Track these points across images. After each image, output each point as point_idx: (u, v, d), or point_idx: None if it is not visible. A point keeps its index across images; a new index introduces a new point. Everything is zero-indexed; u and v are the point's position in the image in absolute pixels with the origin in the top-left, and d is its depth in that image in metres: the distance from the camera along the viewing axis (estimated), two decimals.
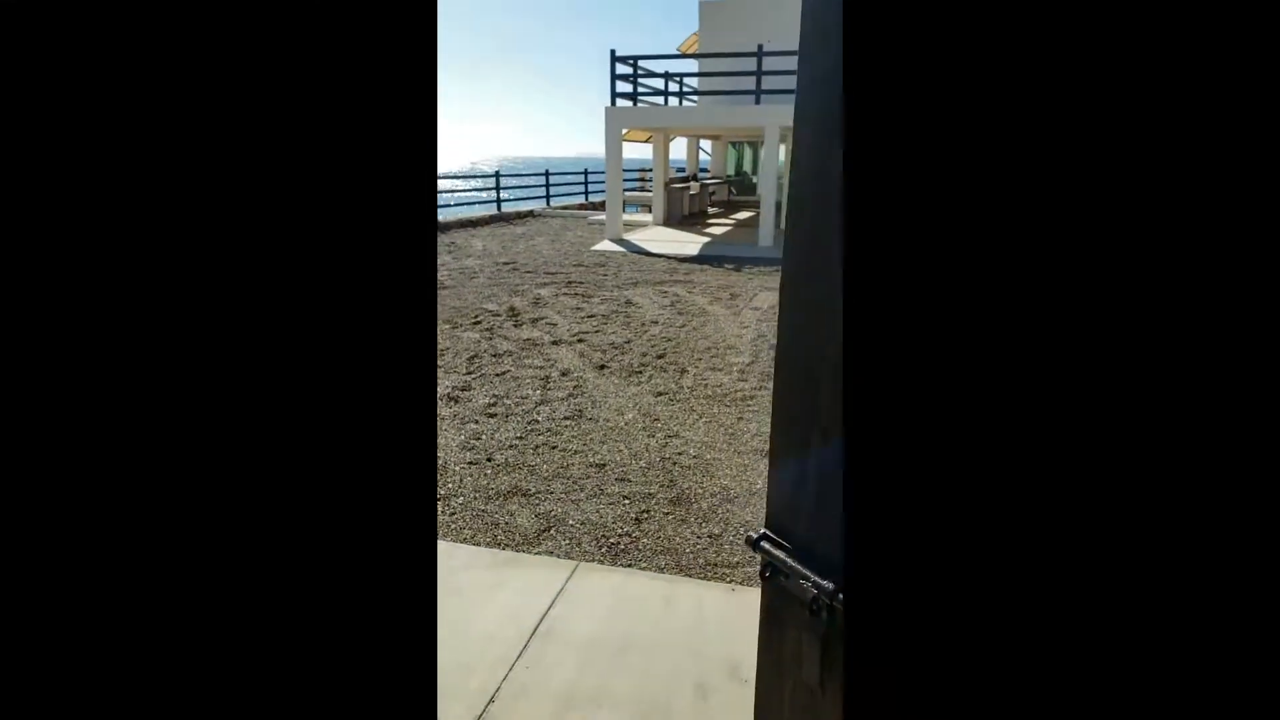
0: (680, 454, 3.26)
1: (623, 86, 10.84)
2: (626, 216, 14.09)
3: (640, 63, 11.01)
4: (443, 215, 13.20)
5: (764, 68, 10.09)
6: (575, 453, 3.26)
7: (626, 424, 3.61)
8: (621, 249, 9.94)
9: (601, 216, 13.25)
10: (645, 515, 2.72)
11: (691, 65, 15.46)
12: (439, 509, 2.75)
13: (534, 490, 2.91)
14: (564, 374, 4.38)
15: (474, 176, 16.22)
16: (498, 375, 4.35)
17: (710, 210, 16.30)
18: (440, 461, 3.15)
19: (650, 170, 14.53)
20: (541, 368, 4.51)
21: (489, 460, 3.17)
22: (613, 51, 10.50)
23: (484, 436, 3.42)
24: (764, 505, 2.83)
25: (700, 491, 2.90)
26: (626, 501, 2.82)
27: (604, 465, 3.13)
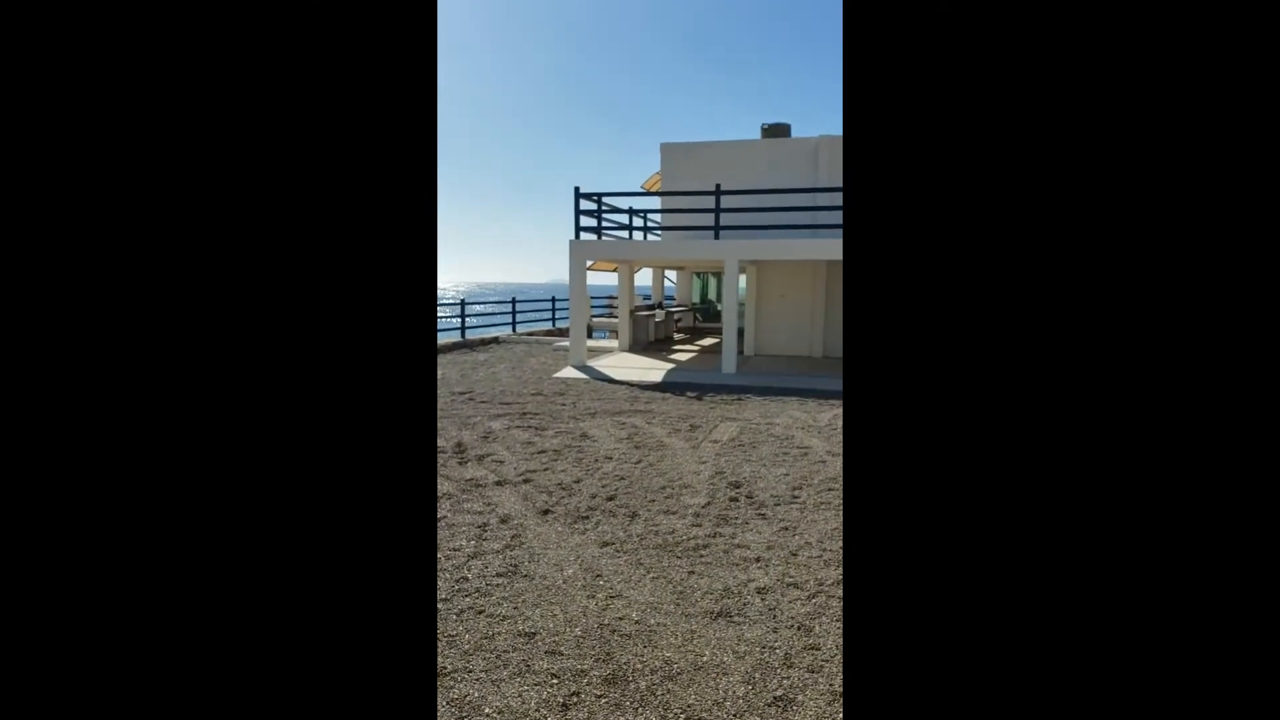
0: (621, 619, 2.93)
1: (588, 221, 11.24)
2: (593, 343, 14.18)
3: (605, 199, 11.49)
4: None
5: (722, 205, 10.58)
6: (504, 619, 2.92)
7: (565, 581, 3.28)
8: (584, 376, 9.86)
9: (567, 343, 13.31)
10: (574, 699, 2.37)
11: (654, 201, 16.26)
12: None
13: (450, 668, 2.54)
14: (503, 521, 4.08)
15: (440, 304, 16.36)
16: None
17: (676, 336, 16.55)
18: None
19: (618, 296, 14.83)
20: (480, 513, 4.20)
21: None
22: (576, 188, 10.97)
23: None
24: (710, 683, 2.46)
25: (640, 666, 2.57)
26: (555, 681, 2.47)
27: (534, 634, 2.79)
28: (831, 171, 11.93)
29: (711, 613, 2.99)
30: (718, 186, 10.48)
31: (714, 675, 2.52)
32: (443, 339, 14.29)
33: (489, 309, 31.89)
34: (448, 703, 2.35)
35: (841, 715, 2.29)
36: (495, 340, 15.08)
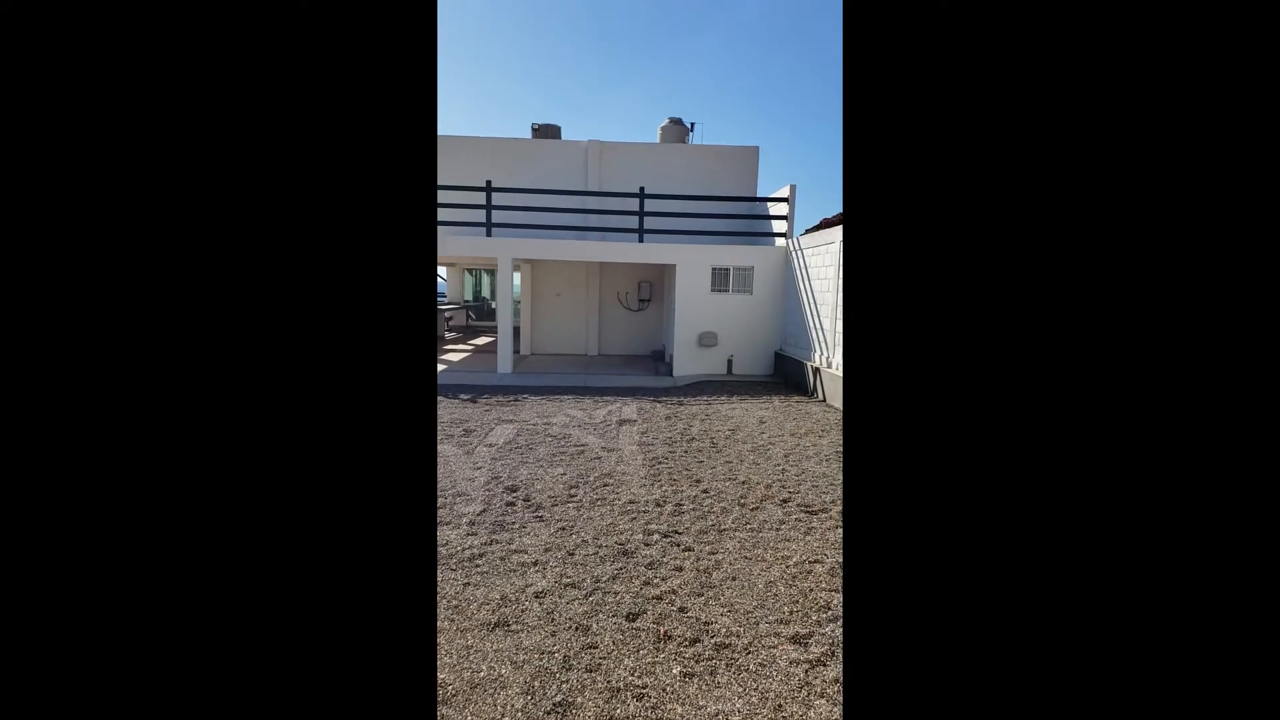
0: None
1: None
2: None
3: None
4: None
5: (493, 202, 10.37)
6: None
7: None
8: None
9: None
10: None
11: None
12: None
13: None
14: None
15: None
16: None
17: (448, 335, 15.91)
18: None
19: None
20: None
21: None
22: None
23: None
24: (488, 699, 2.35)
25: None
26: None
27: None
28: (601, 176, 12.32)
29: (488, 624, 2.89)
30: (489, 183, 10.26)
31: (492, 691, 2.43)
32: None
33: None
34: None
35: (841, 715, 2.35)
36: None
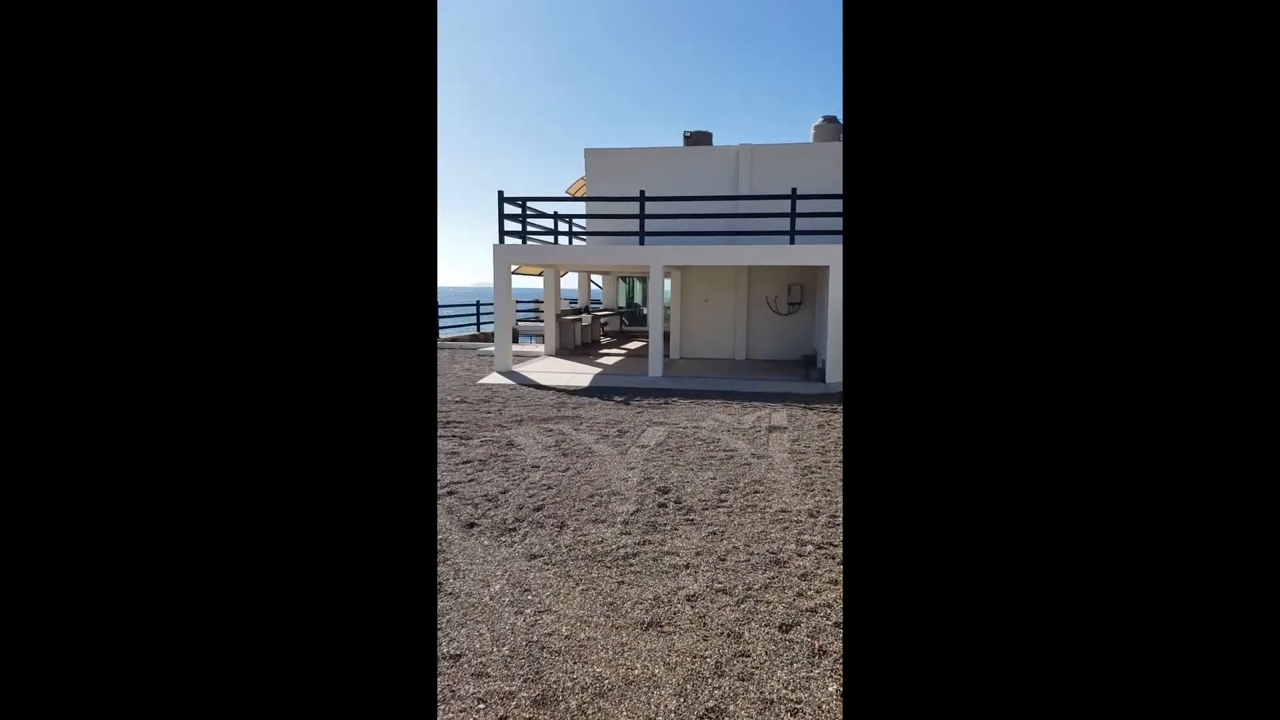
0: (550, 635, 2.87)
1: (513, 225, 11.06)
2: (519, 347, 13.97)
3: (529, 203, 11.34)
4: None
5: (646, 211, 10.63)
6: None
7: (492, 598, 3.19)
8: (510, 382, 9.69)
9: (492, 348, 13.05)
10: None
11: (580, 205, 16.19)
12: None
13: None
14: None
15: None
16: None
17: (603, 340, 16.52)
18: None
19: (544, 300, 14.67)
20: None
21: None
22: (500, 192, 10.77)
23: None
24: (642, 697, 2.43)
25: (570, 685, 2.52)
26: (481, 707, 2.39)
27: (459, 656, 2.69)
28: (752, 180, 12.21)
29: (642, 623, 2.97)
30: (641, 192, 10.53)
31: (646, 689, 2.50)
32: None
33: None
34: None
35: (842, 716, 2.32)
36: None
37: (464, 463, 5.48)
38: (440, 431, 6.57)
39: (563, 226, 13.56)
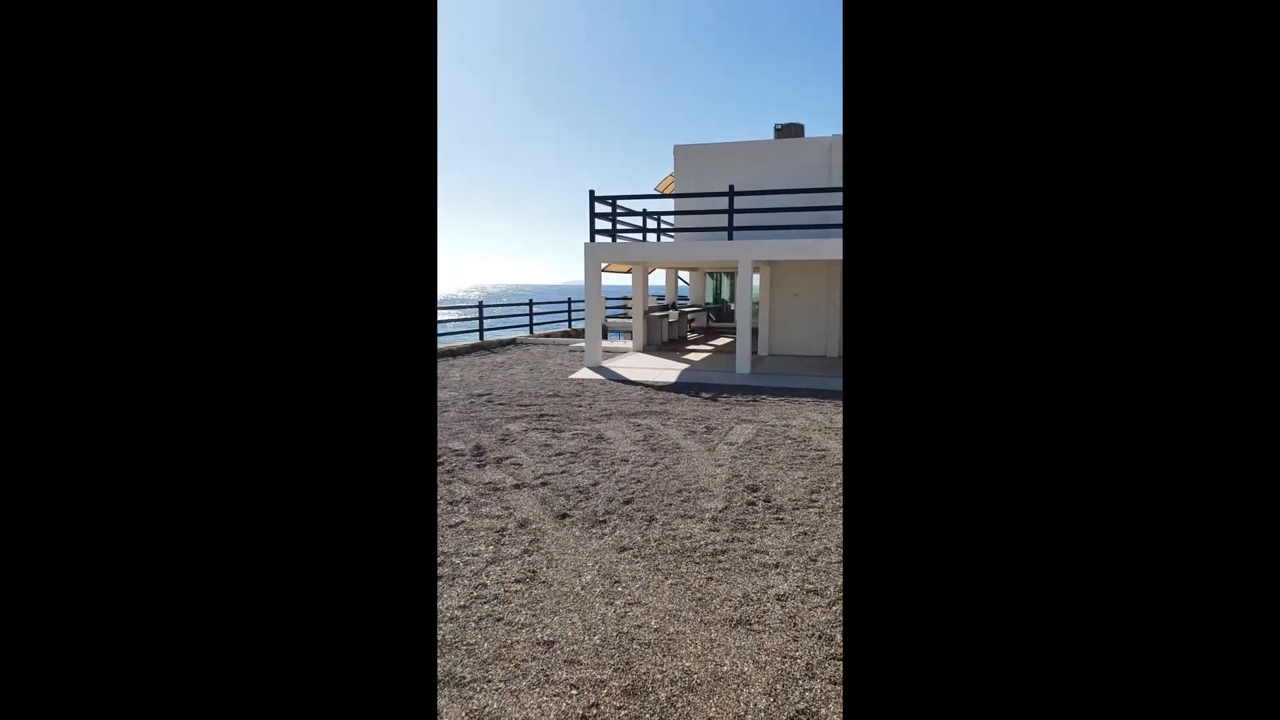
0: (640, 626, 2.92)
1: (603, 223, 11.24)
2: (608, 343, 14.18)
3: (619, 202, 11.49)
4: None
5: (735, 206, 10.53)
6: (522, 626, 2.91)
7: (583, 588, 3.27)
8: (599, 377, 9.87)
9: (583, 344, 13.32)
10: (593, 711, 2.36)
11: (669, 202, 16.23)
12: None
13: (469, 677, 2.54)
14: (522, 525, 4.08)
15: (459, 306, 16.44)
16: (450, 528, 4.03)
17: (690, 336, 16.51)
18: None
19: (632, 297, 14.83)
20: (499, 517, 4.20)
21: None
22: (591, 192, 10.97)
23: None
24: (731, 694, 2.44)
25: (659, 677, 2.55)
26: (574, 692, 2.46)
27: (553, 643, 2.78)
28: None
29: (731, 620, 2.96)
30: (731, 188, 10.44)
31: (735, 687, 2.49)
32: (462, 341, 14.36)
33: (506, 311, 32.05)
34: (467, 713, 2.34)
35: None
36: (513, 342, 15.13)
37: (556, 455, 5.64)
38: (534, 425, 6.79)
39: (651, 224, 13.64)
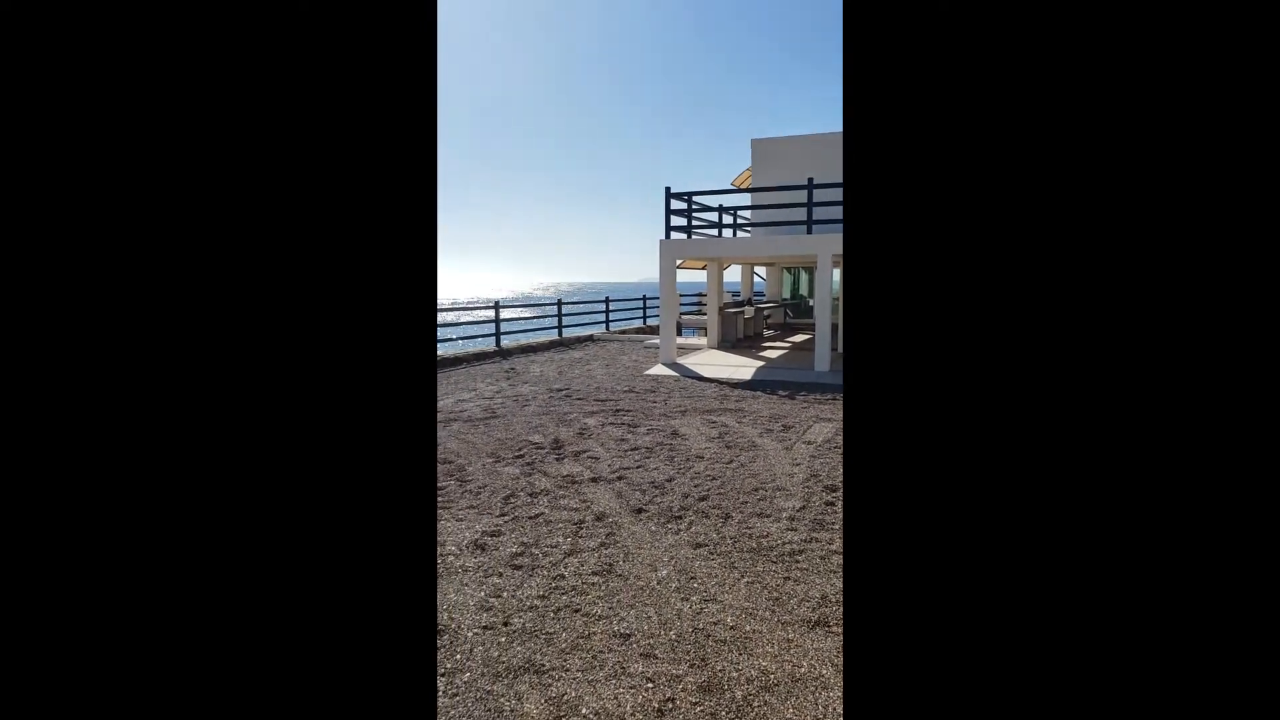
0: (716, 624, 2.91)
1: (678, 220, 11.23)
2: (683, 340, 14.17)
3: (695, 198, 11.45)
4: (505, 340, 13.61)
5: (814, 199, 10.29)
6: (599, 618, 2.96)
7: (659, 583, 3.29)
8: (674, 373, 9.88)
9: (658, 340, 13.37)
10: (669, 706, 2.37)
11: (744, 198, 16.03)
12: (443, 685, 2.48)
13: (548, 666, 2.61)
14: (599, 518, 4.14)
15: (535, 304, 16.84)
16: (530, 519, 4.14)
17: (766, 333, 16.27)
18: (453, 624, 2.90)
19: (707, 294, 14.76)
20: (576, 510, 4.28)
21: (505, 625, 2.90)
22: (667, 189, 10.97)
23: (505, 594, 3.18)
24: (810, 697, 2.40)
25: (735, 675, 2.54)
26: (650, 686, 2.48)
27: (629, 636, 2.82)
28: None
29: (809, 621, 2.91)
30: (810, 180, 10.20)
31: (813, 689, 2.45)
32: (541, 338, 14.72)
33: (583, 308, 32.52)
34: (546, 700, 2.41)
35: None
36: (590, 338, 15.37)
37: (632, 449, 5.69)
38: (610, 420, 6.88)
39: (727, 219, 13.52)
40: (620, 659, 2.65)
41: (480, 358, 11.90)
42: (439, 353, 12.41)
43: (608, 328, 17.48)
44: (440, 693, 2.45)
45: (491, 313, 13.43)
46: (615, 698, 2.42)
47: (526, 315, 15.48)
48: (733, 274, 19.66)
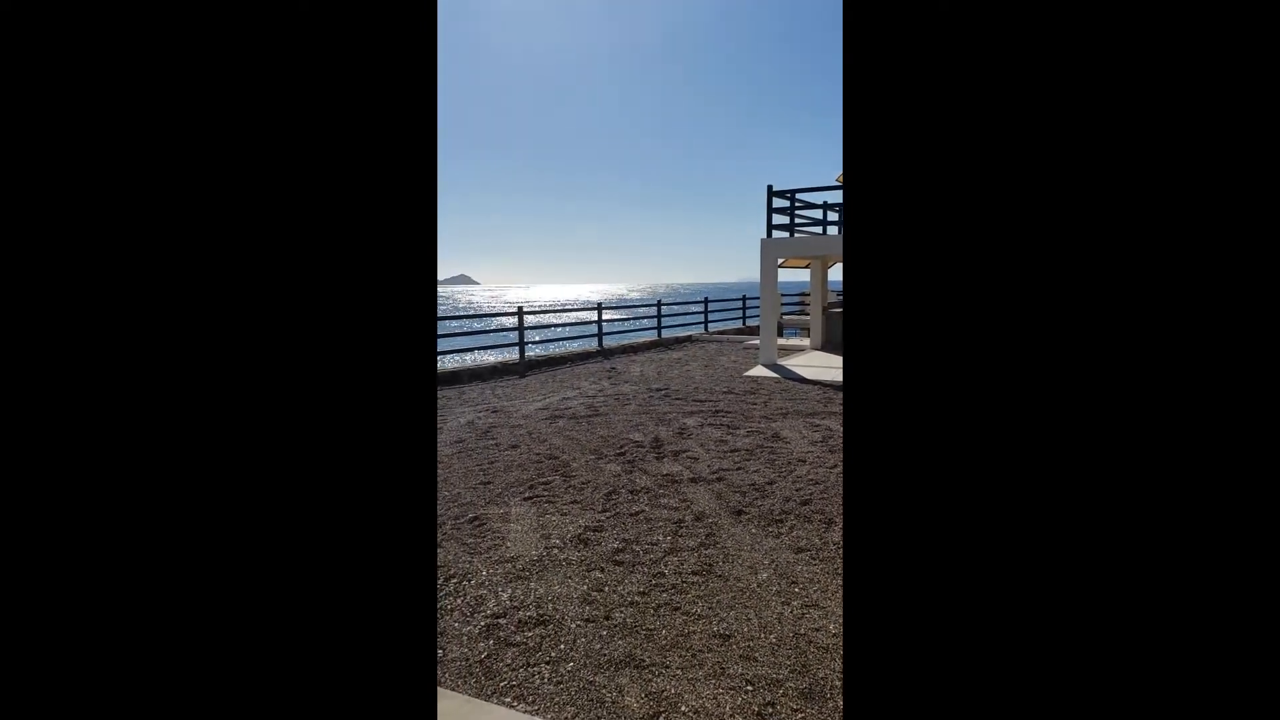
0: (818, 630, 2.84)
1: (780, 218, 11.03)
2: (784, 341, 13.90)
3: (798, 195, 11.21)
4: (606, 341, 13.88)
5: None
6: (699, 618, 2.97)
7: (759, 585, 3.26)
8: (775, 375, 9.71)
9: (758, 341, 13.19)
10: (770, 710, 2.34)
11: None
12: (548, 672, 2.58)
13: (649, 661, 2.65)
14: (698, 518, 4.15)
15: (634, 305, 17.07)
16: (631, 515, 4.21)
17: None
18: (557, 615, 3.01)
19: (810, 294, 14.41)
20: (676, 509, 4.31)
21: (607, 619, 2.97)
22: (769, 186, 10.81)
23: (606, 589, 3.25)
24: None
25: (838, 684, 2.47)
26: (749, 688, 2.47)
27: (729, 637, 2.81)
28: None
29: None
30: None
31: None
32: (640, 338, 14.90)
33: (682, 309, 32.65)
34: (646, 695, 2.45)
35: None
36: (689, 339, 15.39)
37: (731, 451, 5.66)
38: (710, 420, 6.87)
39: (832, 216, 13.13)
40: (720, 659, 2.65)
41: (584, 357, 12.20)
42: (548, 352, 12.84)
43: (706, 328, 17.43)
44: (545, 679, 2.54)
45: (594, 314, 13.73)
46: (715, 698, 2.42)
47: (624, 318, 15.71)
48: (837, 273, 19.07)
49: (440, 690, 2.47)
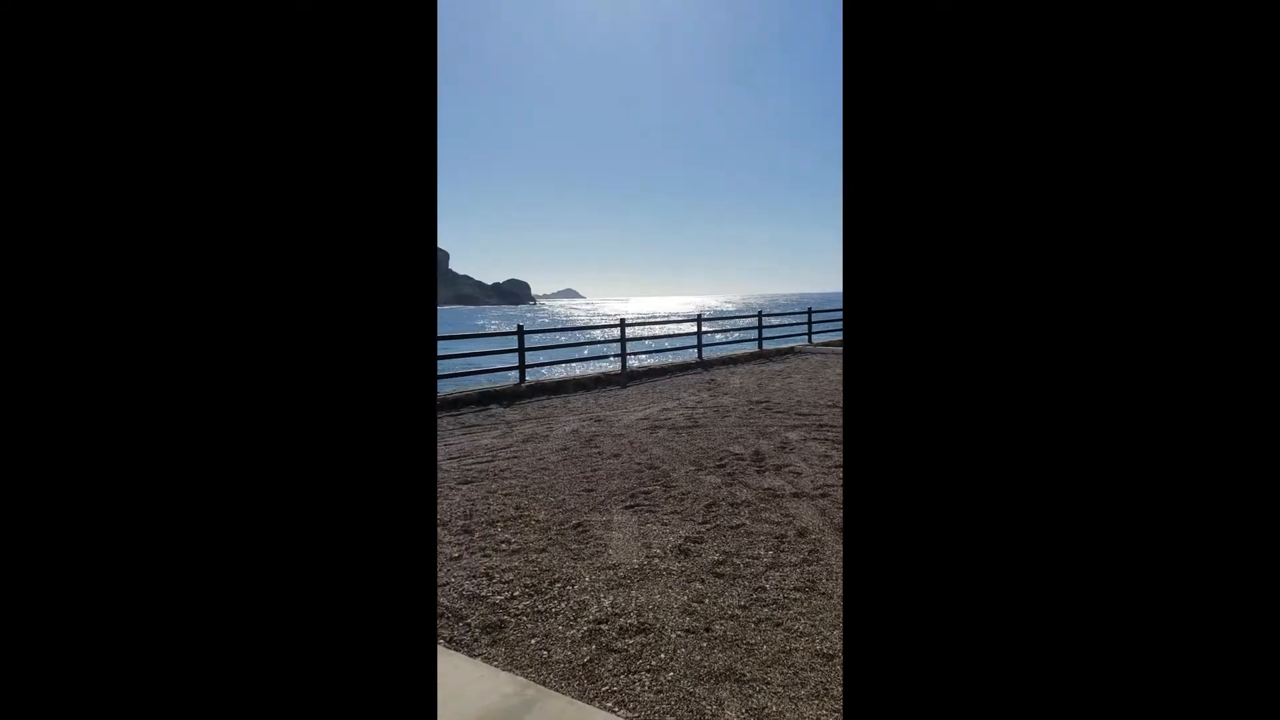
0: None
1: None
2: None
3: None
4: (706, 353, 13.86)
5: None
6: (801, 635, 2.90)
7: None
8: None
9: None
10: None
11: None
12: (648, 680, 2.60)
13: (749, 676, 2.61)
14: (801, 534, 4.05)
15: (735, 316, 16.92)
16: (732, 528, 4.18)
17: None
18: (658, 624, 3.03)
19: None
20: (778, 524, 4.23)
21: (707, 630, 2.96)
22: None
23: (706, 600, 3.24)
24: None
25: None
26: None
27: (832, 657, 2.72)
28: None
29: None
30: None
31: None
32: (741, 350, 14.77)
33: (785, 320, 32.21)
34: (747, 710, 2.41)
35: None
36: (791, 350, 15.08)
37: (835, 466, 5.48)
38: (813, 435, 6.69)
39: None
40: (823, 679, 2.57)
41: (683, 369, 12.24)
42: (647, 363, 12.99)
43: (810, 340, 17.01)
44: (645, 687, 2.57)
45: (693, 326, 13.77)
46: (817, 718, 2.35)
47: (722, 329, 15.62)
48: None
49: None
